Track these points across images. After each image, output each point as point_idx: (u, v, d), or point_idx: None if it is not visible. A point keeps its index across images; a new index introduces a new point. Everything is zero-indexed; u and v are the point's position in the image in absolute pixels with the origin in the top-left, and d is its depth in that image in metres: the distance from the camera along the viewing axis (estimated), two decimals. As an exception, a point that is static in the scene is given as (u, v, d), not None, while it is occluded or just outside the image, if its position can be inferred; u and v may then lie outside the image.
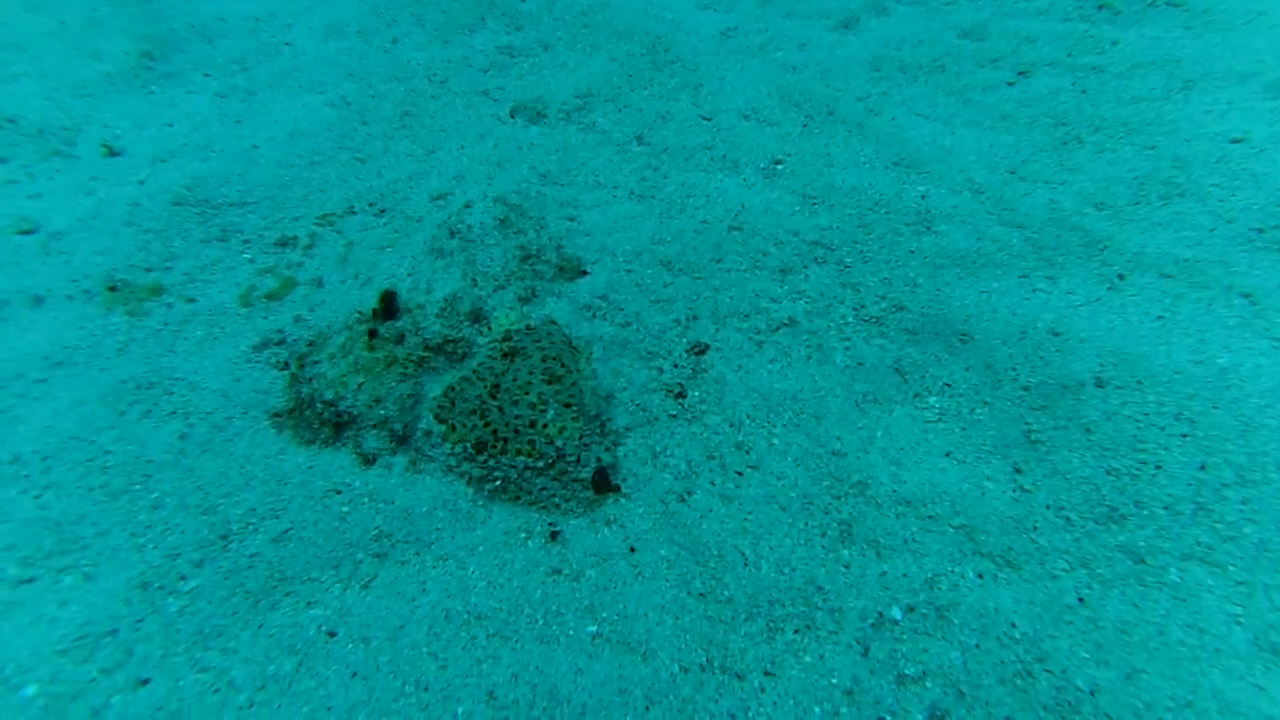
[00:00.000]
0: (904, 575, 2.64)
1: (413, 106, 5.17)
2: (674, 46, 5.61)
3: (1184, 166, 4.14)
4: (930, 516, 2.80)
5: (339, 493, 2.89)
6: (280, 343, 3.44)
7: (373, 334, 3.18)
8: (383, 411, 3.05)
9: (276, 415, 3.14)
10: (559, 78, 5.38)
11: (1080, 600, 2.56)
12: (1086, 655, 2.41)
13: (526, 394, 2.91)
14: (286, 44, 5.91)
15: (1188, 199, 3.96)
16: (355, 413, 3.05)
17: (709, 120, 4.77)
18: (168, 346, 3.40)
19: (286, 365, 3.33)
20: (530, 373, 2.96)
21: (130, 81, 5.35)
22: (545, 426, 2.85)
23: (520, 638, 2.51)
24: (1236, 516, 2.71)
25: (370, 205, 4.34)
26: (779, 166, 4.34)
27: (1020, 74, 5.23)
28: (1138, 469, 2.87)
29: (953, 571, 2.65)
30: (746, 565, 2.67)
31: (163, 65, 5.46)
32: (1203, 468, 2.85)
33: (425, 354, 3.19)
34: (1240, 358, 3.18)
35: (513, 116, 5.04)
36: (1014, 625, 2.49)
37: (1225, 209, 3.87)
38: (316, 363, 3.20)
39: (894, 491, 2.87)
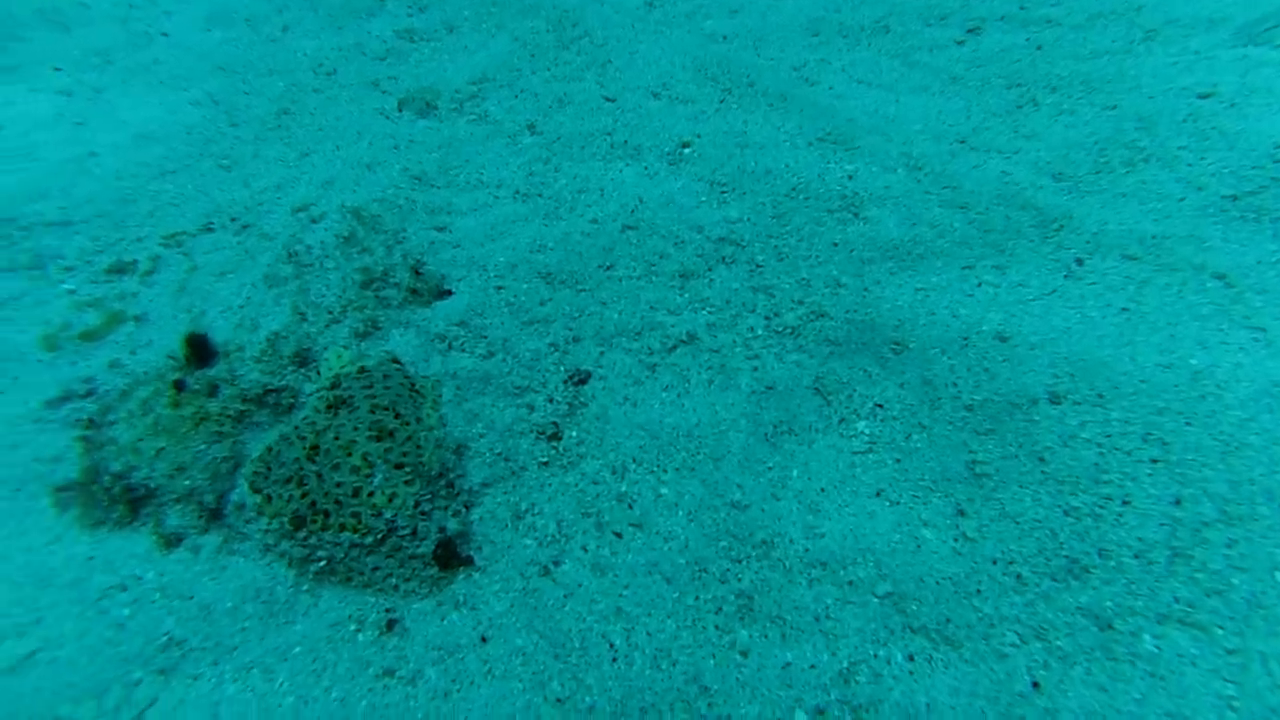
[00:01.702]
0: (812, 666, 2.11)
1: (292, 103, 4.58)
2: (584, 20, 5.03)
3: (1149, 127, 3.58)
4: (850, 583, 2.27)
5: (124, 589, 2.35)
6: (88, 394, 2.88)
7: (179, 386, 2.63)
8: (188, 482, 2.50)
9: (63, 490, 2.59)
10: (458, 62, 4.80)
11: (1035, 685, 2.03)
12: (1040, 769, 1.89)
13: (349, 455, 2.36)
14: (164, 34, 5.31)
15: (1154, 165, 3.40)
16: (153, 485, 2.50)
17: (612, 101, 4.19)
18: (-71, 409, 2.84)
19: (92, 423, 2.78)
20: (355, 428, 2.42)
21: (-53, 77, 4.73)
22: (371, 495, 2.31)
23: (327, 776, 1.98)
24: (1221, 564, 2.18)
25: (232, 220, 3.76)
26: (686, 150, 3.78)
27: (970, 31, 4.66)
28: (1101, 507, 2.33)
29: (876, 657, 2.12)
30: (615, 660, 2.14)
31: (-4, 57, 4.84)
32: (1178, 502, 2.31)
33: (245, 407, 2.64)
34: (1216, 356, 2.64)
35: (400, 110, 4.46)
36: (948, 730, 1.97)
37: (1195, 175, 3.32)
38: (114, 423, 2.65)
39: (806, 551, 2.34)
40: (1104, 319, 2.81)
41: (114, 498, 2.50)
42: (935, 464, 2.54)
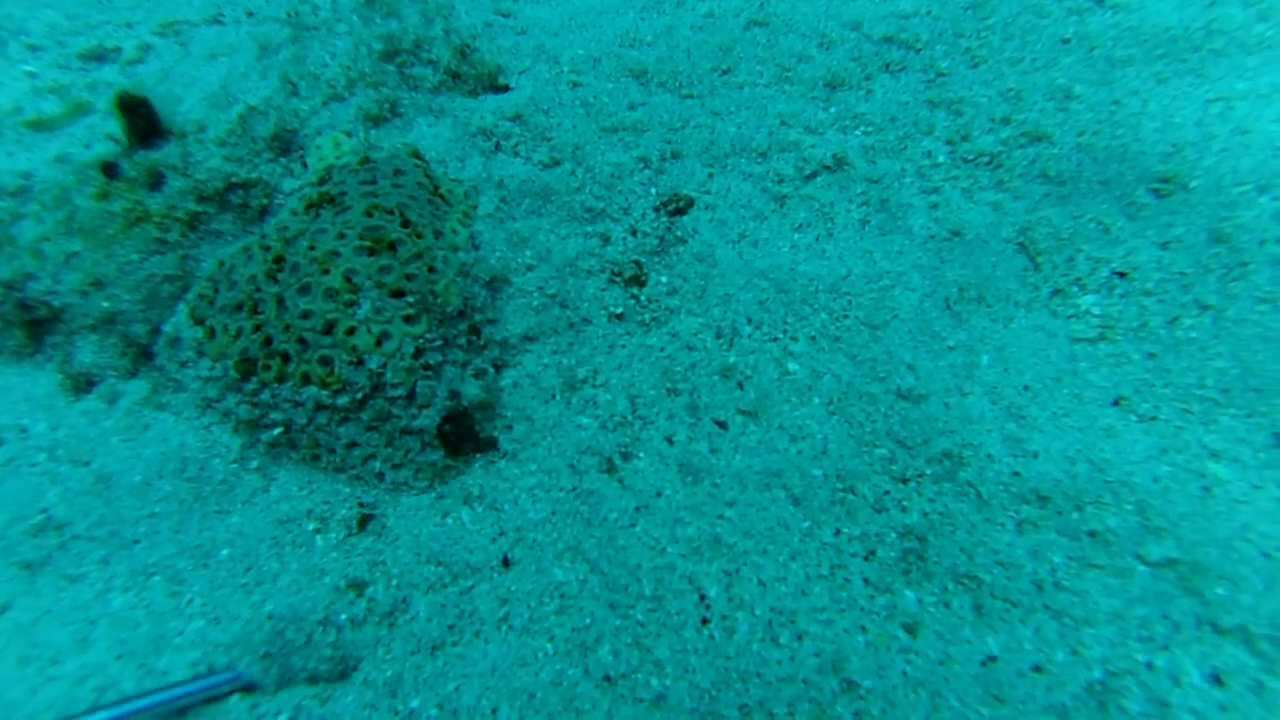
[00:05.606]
0: (1038, 669, 1.23)
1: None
2: None
3: None
4: (1091, 534, 1.37)
5: None
6: (19, 192, 2.16)
7: (109, 170, 1.86)
8: (108, 304, 1.75)
9: (-47, 306, 1.88)
10: None
11: None
12: None
13: (325, 274, 1.55)
14: None
15: None
16: (59, 305, 1.77)
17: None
18: None
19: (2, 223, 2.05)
20: (341, 235, 1.60)
21: None
22: (351, 332, 1.51)
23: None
24: None
25: (249, 15, 2.95)
26: (841, -66, 2.77)
27: None
28: None
29: (1150, 667, 1.23)
30: (706, 622, 1.31)
31: None
32: None
33: (200, 208, 1.86)
34: None
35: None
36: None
37: None
38: (21, 218, 1.91)
39: (1015, 475, 1.45)
40: None
41: (5, 318, 1.77)
42: (1228, 364, 1.59)
